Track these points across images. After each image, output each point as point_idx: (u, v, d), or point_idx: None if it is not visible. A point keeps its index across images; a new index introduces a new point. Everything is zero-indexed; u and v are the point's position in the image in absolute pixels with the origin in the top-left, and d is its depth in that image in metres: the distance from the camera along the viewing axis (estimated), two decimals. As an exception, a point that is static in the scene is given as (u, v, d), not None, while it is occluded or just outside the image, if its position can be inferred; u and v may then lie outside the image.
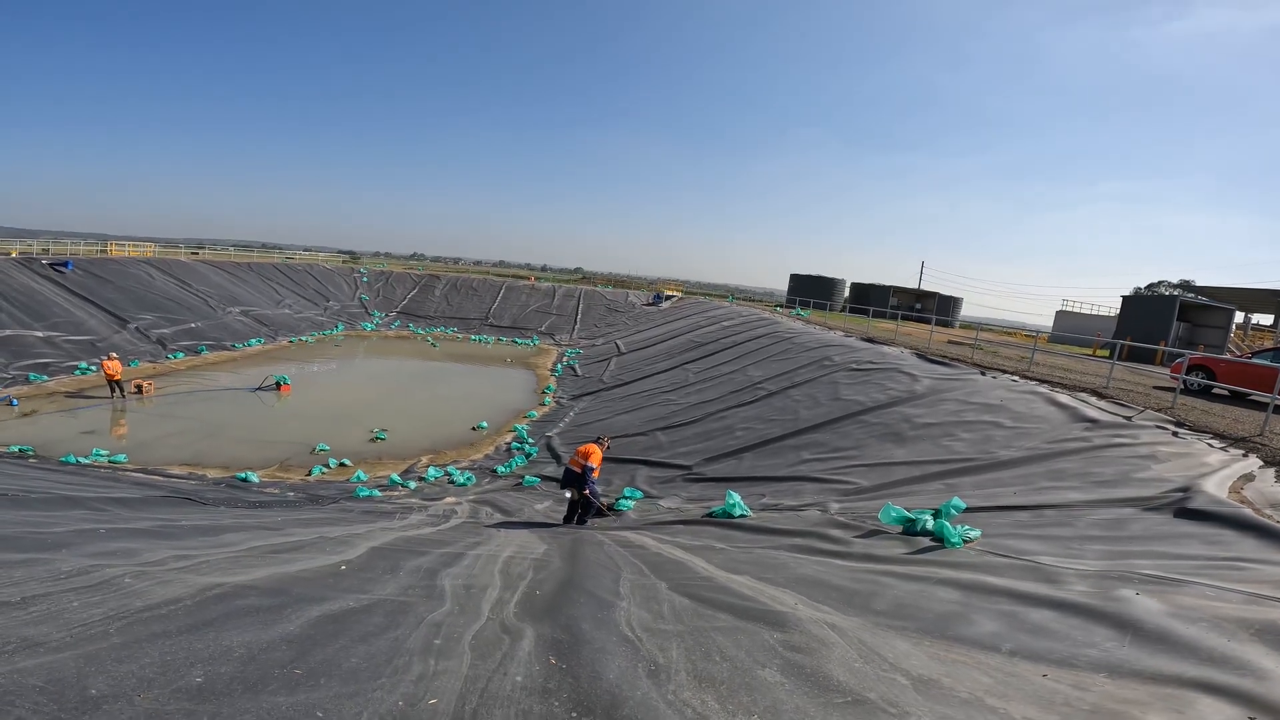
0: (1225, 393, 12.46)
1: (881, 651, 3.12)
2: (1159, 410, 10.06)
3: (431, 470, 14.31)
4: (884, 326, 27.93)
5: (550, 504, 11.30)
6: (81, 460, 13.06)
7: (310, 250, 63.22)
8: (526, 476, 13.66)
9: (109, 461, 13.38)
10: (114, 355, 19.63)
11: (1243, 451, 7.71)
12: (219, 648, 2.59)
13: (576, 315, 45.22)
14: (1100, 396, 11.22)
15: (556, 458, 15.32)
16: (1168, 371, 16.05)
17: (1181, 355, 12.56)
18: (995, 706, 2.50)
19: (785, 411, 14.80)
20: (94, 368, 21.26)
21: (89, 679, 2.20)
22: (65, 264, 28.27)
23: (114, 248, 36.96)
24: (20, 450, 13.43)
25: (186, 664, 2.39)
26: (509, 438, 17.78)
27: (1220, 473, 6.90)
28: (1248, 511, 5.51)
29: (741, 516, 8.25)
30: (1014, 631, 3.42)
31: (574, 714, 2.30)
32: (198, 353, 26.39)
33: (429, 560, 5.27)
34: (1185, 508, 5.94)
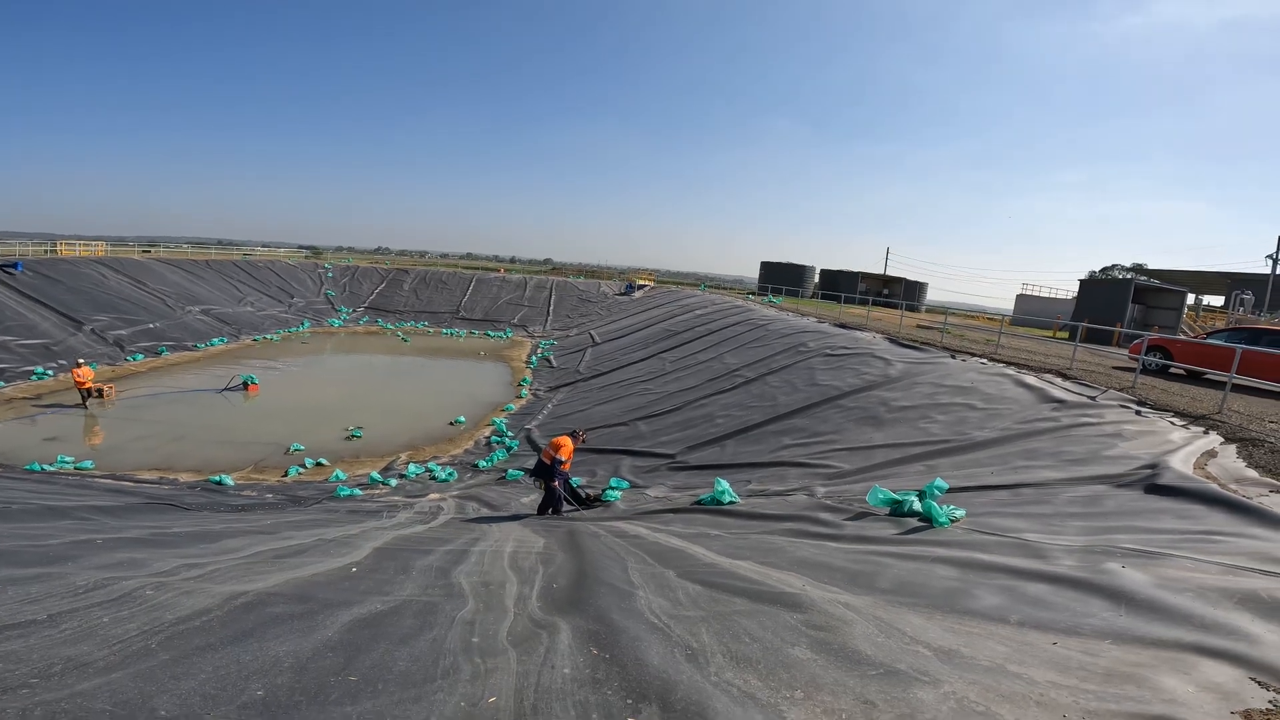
0: (1182, 372, 13.07)
1: (899, 626, 3.28)
2: (1121, 390, 10.51)
3: (412, 467, 14.20)
4: (855, 312, 28.45)
5: (535, 497, 11.32)
6: (47, 468, 12.62)
7: (270, 246, 61.59)
8: (509, 470, 13.64)
9: (75, 469, 12.95)
10: (82, 362, 18.86)
11: (1203, 429, 8.12)
12: (267, 658, 2.60)
13: (549, 307, 44.98)
14: (1065, 377, 11.69)
15: (537, 450, 15.28)
16: (1126, 352, 16.75)
17: (1139, 336, 13.14)
18: (1017, 672, 2.67)
19: (764, 398, 15.05)
20: (50, 372, 20.46)
21: (154, 699, 2.20)
22: (15, 265, 27.10)
23: (64, 247, 35.45)
24: (-21, 460, 12.91)
25: (241, 677, 2.41)
26: (488, 432, 17.70)
27: (1184, 449, 7.25)
28: (1214, 486, 5.85)
29: (731, 503, 8.37)
30: (1017, 604, 3.61)
31: (629, 701, 2.39)
32: (158, 354, 25.53)
33: (436, 559, 5.29)
34: (1155, 484, 6.25)
